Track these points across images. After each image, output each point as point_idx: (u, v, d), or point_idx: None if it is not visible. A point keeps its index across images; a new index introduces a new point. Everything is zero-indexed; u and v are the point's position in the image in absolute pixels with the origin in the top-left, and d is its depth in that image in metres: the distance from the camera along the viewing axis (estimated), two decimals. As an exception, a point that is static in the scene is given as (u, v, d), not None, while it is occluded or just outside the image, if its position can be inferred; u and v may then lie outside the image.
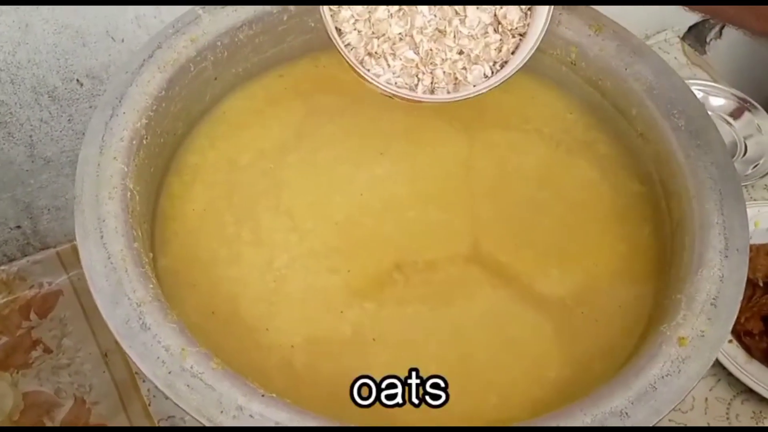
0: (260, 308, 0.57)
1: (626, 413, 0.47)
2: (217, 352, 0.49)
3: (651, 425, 0.46)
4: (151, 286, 0.50)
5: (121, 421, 0.80)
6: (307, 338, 0.55)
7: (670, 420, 0.75)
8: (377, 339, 0.56)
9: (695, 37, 1.09)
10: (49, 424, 0.80)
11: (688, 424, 0.76)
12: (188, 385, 0.46)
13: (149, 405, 0.79)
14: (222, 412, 0.45)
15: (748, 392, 0.77)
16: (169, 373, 0.46)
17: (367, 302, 0.57)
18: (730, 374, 0.77)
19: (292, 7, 0.66)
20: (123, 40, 0.76)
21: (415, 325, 0.57)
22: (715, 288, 0.52)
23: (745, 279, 0.52)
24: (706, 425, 0.77)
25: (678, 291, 0.53)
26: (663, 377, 0.48)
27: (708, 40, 1.09)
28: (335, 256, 0.60)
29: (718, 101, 1.00)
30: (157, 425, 0.78)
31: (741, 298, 0.52)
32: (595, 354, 0.56)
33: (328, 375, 0.54)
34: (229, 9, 0.64)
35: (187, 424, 0.76)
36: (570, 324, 0.58)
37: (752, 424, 0.77)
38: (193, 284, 0.57)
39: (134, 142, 0.57)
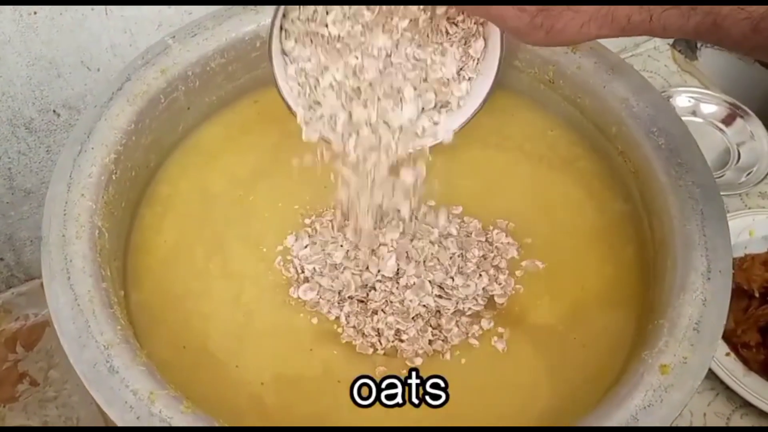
0: (230, 344, 0.56)
1: (606, 447, 0.46)
2: (188, 387, 0.48)
3: (633, 459, 0.45)
4: (119, 327, 0.49)
5: (109, 454, 0.79)
6: (276, 376, 0.55)
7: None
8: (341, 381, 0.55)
9: (685, 43, 1.07)
10: (36, 458, 0.79)
11: (688, 440, 0.75)
12: (157, 431, 0.45)
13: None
14: (192, 457, 0.44)
15: (747, 406, 0.76)
16: (137, 418, 0.46)
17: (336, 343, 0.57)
18: (728, 388, 0.76)
19: (264, 34, 0.65)
20: (99, 70, 0.75)
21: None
22: (698, 312, 0.51)
23: (729, 302, 0.51)
24: (705, 441, 0.76)
25: (660, 316, 0.52)
26: (645, 408, 0.47)
27: (698, 46, 1.08)
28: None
29: (710, 108, 0.99)
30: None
31: (724, 322, 0.50)
32: (581, 381, 0.55)
33: (299, 413, 0.53)
34: (200, 38, 0.63)
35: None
36: (559, 351, 0.57)
37: (752, 438, 0.76)
38: (165, 319, 0.57)
39: (103, 178, 0.56)
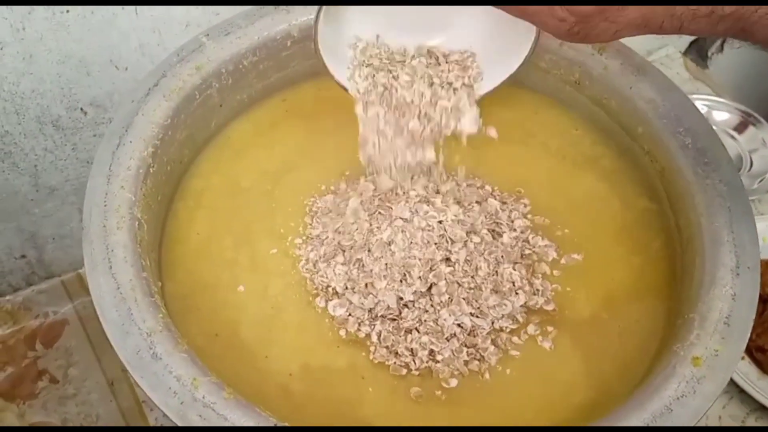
0: (259, 334, 0.57)
1: (642, 435, 0.46)
2: (221, 374, 0.49)
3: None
4: (161, 315, 0.50)
5: (129, 451, 0.79)
6: (304, 367, 0.55)
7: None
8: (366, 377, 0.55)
9: (697, 51, 1.09)
10: (56, 455, 0.79)
11: (702, 442, 0.75)
12: (200, 416, 0.46)
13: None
14: (235, 442, 0.45)
15: (762, 409, 0.76)
16: (182, 403, 0.46)
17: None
18: (742, 391, 0.76)
19: (295, 33, 0.66)
20: (127, 69, 0.76)
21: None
22: (728, 306, 0.51)
23: (758, 296, 0.52)
24: (720, 443, 0.76)
25: (690, 310, 0.52)
26: (678, 398, 0.48)
27: (710, 54, 1.10)
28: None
29: (722, 116, 1.00)
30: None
31: (754, 315, 0.51)
32: (615, 372, 0.55)
33: (326, 403, 0.53)
34: (233, 36, 0.64)
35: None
36: (594, 344, 0.57)
37: (767, 440, 0.76)
38: (198, 308, 0.57)
39: (141, 171, 0.57)
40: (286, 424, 0.46)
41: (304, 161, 0.67)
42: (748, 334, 0.51)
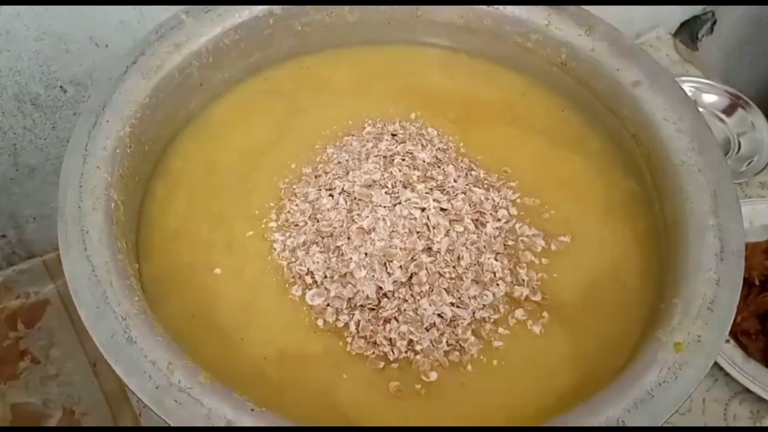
0: (235, 317, 0.55)
1: (623, 421, 0.46)
2: (198, 357, 0.48)
3: (648, 434, 0.45)
4: (137, 298, 0.49)
5: (111, 432, 0.79)
6: (280, 352, 0.54)
7: (667, 423, 0.74)
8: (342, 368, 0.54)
9: (686, 33, 1.08)
10: (38, 436, 0.79)
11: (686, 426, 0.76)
12: (176, 401, 0.45)
13: (140, 415, 0.77)
14: (211, 427, 0.44)
15: (746, 392, 0.77)
16: (157, 388, 0.45)
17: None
18: (727, 374, 0.77)
19: (277, 10, 0.65)
20: (107, 46, 0.74)
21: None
22: (712, 292, 0.51)
23: (742, 282, 0.52)
24: (704, 426, 0.76)
25: (674, 295, 0.52)
26: (660, 384, 0.47)
27: (699, 36, 1.09)
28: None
29: (711, 98, 1.00)
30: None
31: (737, 301, 0.51)
32: (598, 357, 0.55)
33: (302, 388, 0.53)
34: (213, 13, 0.63)
35: None
36: (579, 327, 0.57)
37: (750, 424, 0.76)
38: (176, 289, 0.56)
39: (118, 151, 0.56)
40: (263, 409, 0.46)
41: (283, 140, 0.65)
42: (732, 320, 0.50)
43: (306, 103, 0.67)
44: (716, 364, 0.76)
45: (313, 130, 0.66)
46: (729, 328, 0.50)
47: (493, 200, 0.61)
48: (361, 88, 0.70)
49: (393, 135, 0.64)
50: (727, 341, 0.78)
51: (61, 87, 0.76)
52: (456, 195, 0.60)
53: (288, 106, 0.68)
